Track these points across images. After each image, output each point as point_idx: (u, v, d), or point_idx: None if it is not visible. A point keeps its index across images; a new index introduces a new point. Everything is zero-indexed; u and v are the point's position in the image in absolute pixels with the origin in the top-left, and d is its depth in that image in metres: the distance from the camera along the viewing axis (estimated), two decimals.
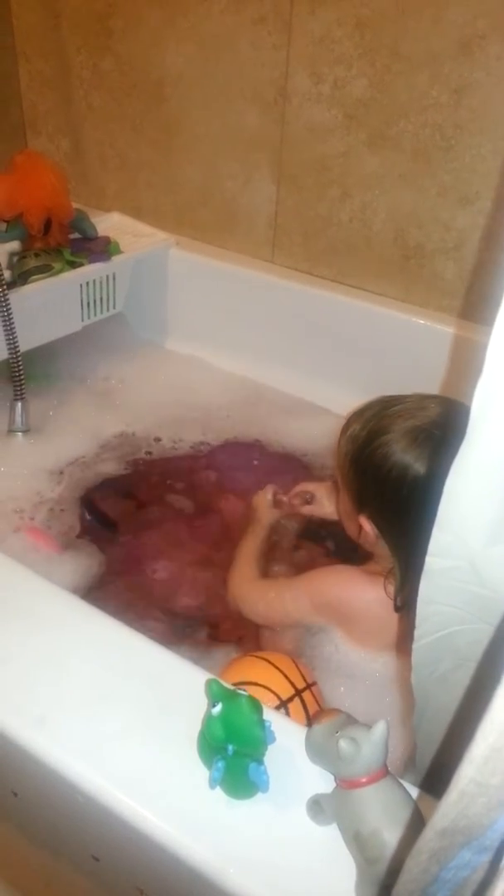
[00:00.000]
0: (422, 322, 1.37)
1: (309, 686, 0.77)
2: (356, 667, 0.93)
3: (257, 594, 1.04)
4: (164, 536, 1.24)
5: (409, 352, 1.37)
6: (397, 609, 0.87)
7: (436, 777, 0.69)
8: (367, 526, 0.89)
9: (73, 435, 1.41)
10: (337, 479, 0.96)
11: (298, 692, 0.75)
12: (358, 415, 0.91)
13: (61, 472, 1.33)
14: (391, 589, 0.88)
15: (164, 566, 1.19)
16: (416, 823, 0.54)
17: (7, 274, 1.28)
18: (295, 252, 1.50)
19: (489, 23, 1.13)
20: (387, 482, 0.84)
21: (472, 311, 1.34)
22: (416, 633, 0.60)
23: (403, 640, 0.89)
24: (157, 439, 1.44)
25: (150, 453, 1.41)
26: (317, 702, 0.78)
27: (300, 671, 0.77)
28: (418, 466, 0.82)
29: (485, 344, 0.46)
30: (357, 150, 1.33)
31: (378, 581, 0.90)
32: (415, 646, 0.61)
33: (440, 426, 0.83)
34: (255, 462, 1.41)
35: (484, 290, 1.31)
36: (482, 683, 0.59)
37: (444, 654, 0.62)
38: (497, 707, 0.29)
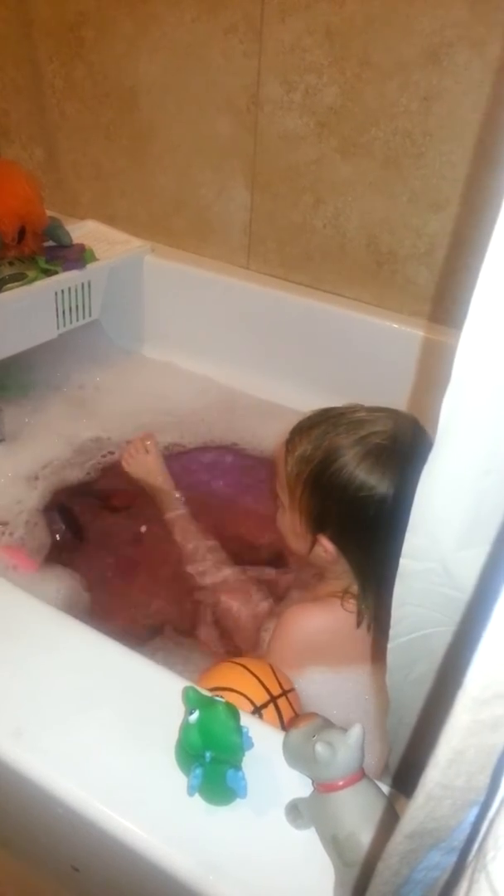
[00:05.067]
0: (395, 326, 1.38)
1: (285, 692, 0.76)
2: (344, 686, 0.92)
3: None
4: (140, 543, 1.24)
5: (384, 356, 1.38)
6: (359, 624, 0.87)
7: (411, 779, 0.69)
8: (329, 545, 0.88)
9: (50, 442, 1.40)
10: (281, 498, 0.93)
11: (273, 698, 0.75)
12: (303, 433, 0.88)
13: (36, 478, 1.32)
14: (350, 605, 0.88)
15: (140, 573, 1.18)
16: (392, 825, 0.55)
17: None
18: (270, 258, 1.51)
19: (456, 32, 1.14)
20: (353, 503, 0.83)
21: (444, 315, 1.36)
22: (391, 634, 0.60)
23: (375, 649, 0.88)
24: None
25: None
26: (293, 708, 0.78)
27: (277, 677, 0.77)
28: (384, 486, 0.81)
29: (455, 348, 0.46)
30: (329, 157, 1.34)
31: (332, 602, 0.89)
32: (390, 646, 0.61)
33: (395, 439, 0.83)
34: (231, 466, 1.41)
35: (455, 294, 1.33)
36: (446, 686, 0.59)
37: (419, 656, 0.62)
38: (459, 710, 0.30)
